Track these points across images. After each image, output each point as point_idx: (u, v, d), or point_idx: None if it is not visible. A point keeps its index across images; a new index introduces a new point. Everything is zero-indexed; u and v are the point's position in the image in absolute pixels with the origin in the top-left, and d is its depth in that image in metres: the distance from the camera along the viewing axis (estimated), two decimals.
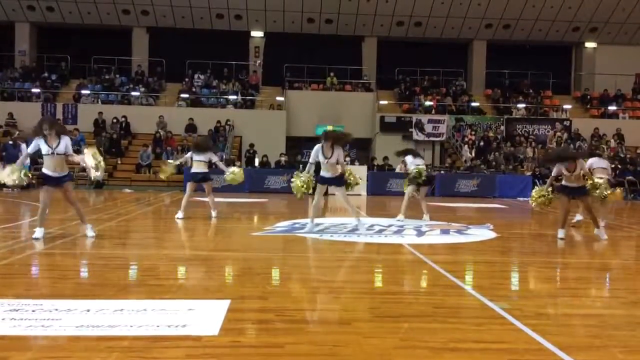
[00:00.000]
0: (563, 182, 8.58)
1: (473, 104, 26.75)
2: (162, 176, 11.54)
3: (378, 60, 28.53)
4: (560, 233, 8.57)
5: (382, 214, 12.61)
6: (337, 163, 8.60)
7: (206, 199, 10.91)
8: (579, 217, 10.57)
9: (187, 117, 23.76)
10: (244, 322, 3.90)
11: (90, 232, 7.58)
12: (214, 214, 10.58)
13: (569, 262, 7.16)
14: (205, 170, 10.56)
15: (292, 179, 8.97)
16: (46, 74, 26.51)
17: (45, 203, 7.29)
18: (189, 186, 10.61)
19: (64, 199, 7.63)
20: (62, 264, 6.05)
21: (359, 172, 19.47)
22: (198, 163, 10.46)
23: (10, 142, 18.29)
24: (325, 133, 8.75)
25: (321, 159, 8.58)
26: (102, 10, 26.42)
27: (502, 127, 25.60)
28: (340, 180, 8.73)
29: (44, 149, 7.19)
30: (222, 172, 11.10)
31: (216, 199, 11.02)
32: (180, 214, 10.30)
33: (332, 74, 26.65)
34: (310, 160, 8.78)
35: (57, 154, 7.21)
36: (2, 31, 27.26)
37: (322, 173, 8.74)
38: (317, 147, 8.62)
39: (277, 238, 8.40)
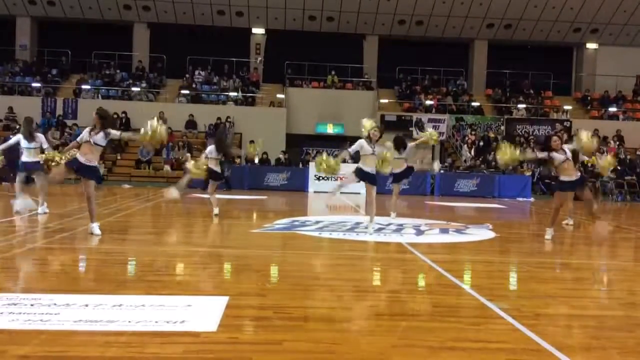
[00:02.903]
0: (561, 178, 8.27)
1: (473, 103, 26.75)
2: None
3: (379, 58, 28.50)
4: (548, 233, 8.45)
5: (381, 213, 12.60)
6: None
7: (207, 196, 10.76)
8: (570, 220, 10.47)
9: (188, 114, 23.76)
10: (242, 319, 3.90)
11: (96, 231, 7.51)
12: (216, 211, 10.32)
13: (567, 263, 7.16)
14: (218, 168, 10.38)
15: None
16: (47, 69, 26.48)
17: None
18: (212, 185, 10.32)
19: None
20: (61, 259, 6.04)
21: None
22: (212, 161, 10.17)
23: (12, 136, 18.21)
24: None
25: (368, 150, 8.49)
26: (103, 5, 26.39)
27: (502, 127, 25.59)
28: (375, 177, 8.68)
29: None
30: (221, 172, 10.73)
31: (216, 196, 10.99)
32: (216, 210, 10.18)
33: (332, 72, 26.63)
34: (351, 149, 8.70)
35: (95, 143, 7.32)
36: (3, 25, 27.22)
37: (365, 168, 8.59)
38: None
39: (276, 235, 8.39)
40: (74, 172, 7.38)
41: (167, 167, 21.34)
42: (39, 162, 9.78)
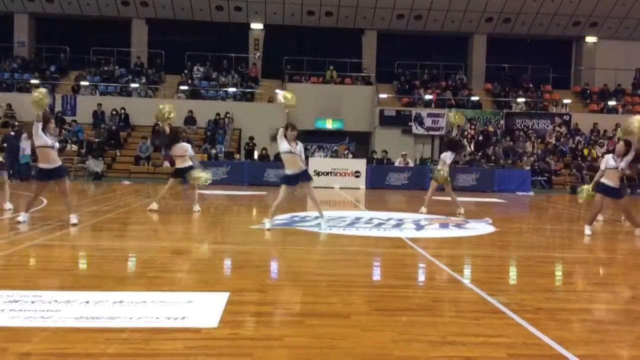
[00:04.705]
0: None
1: (473, 98, 26.72)
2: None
3: (378, 53, 28.44)
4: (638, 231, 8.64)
5: (381, 208, 12.63)
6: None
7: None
8: (600, 216, 10.47)
9: (187, 109, 23.73)
10: (243, 315, 3.90)
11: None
12: (154, 206, 10.13)
13: (567, 257, 7.18)
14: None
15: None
16: (45, 65, 26.43)
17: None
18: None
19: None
20: (61, 256, 6.05)
21: (359, 165, 19.57)
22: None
23: (12, 133, 18.16)
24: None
25: (284, 148, 7.89)
26: (101, 1, 26.29)
27: (502, 122, 25.57)
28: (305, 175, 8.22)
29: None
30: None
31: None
32: (154, 205, 10.10)
33: (331, 67, 26.55)
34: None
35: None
36: (1, 22, 27.14)
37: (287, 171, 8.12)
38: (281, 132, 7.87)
39: (276, 231, 8.38)
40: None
41: (166, 164, 21.29)
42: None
